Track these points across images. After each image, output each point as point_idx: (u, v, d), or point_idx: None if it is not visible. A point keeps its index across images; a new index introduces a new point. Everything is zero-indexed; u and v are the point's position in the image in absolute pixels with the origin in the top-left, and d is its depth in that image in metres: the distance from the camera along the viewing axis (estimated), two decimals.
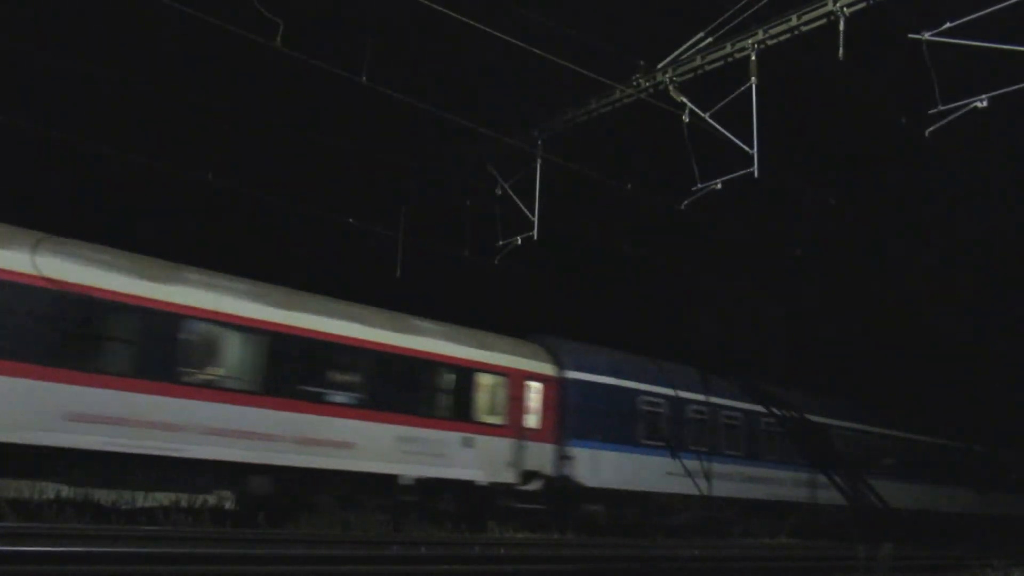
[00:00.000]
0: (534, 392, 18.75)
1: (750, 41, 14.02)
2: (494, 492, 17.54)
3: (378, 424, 15.90)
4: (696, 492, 21.36)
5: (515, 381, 18.34)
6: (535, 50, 13.45)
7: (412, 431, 16.35)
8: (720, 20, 14.26)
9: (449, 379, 17.28)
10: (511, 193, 17.70)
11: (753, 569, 13.96)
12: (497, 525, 17.36)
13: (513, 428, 18.08)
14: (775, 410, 24.52)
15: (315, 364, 15.29)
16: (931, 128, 13.06)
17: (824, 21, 13.13)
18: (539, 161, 17.14)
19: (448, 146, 19.09)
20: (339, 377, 15.68)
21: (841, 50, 12.66)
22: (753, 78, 13.88)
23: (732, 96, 14.16)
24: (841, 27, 12.76)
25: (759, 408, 24.02)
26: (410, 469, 16.17)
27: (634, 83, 15.52)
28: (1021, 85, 12.18)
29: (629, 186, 17.01)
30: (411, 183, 18.86)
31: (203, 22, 12.18)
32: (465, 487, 17.04)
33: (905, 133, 14.58)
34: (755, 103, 13.88)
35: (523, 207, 17.38)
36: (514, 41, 13.28)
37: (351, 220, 17.05)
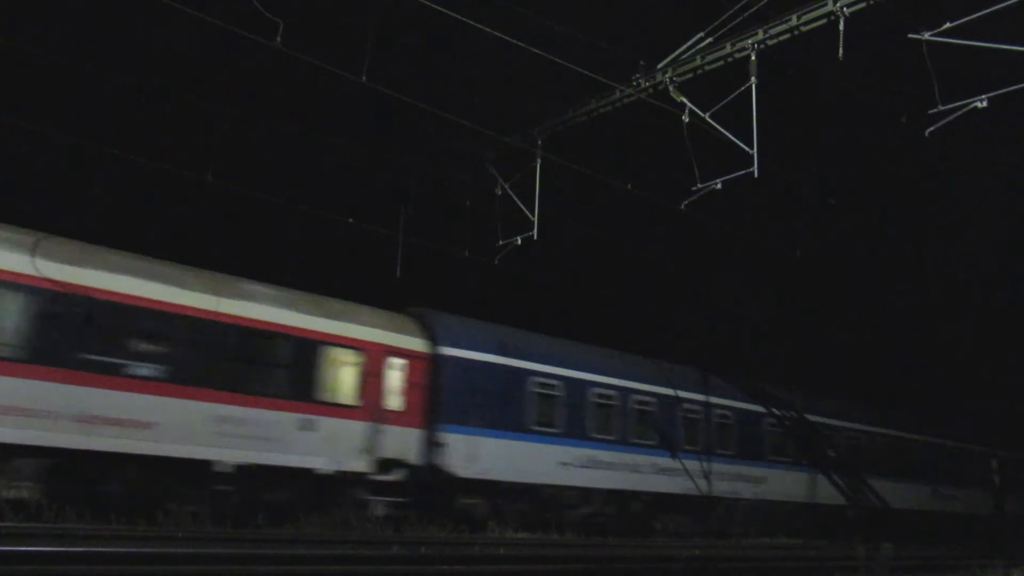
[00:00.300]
0: (398, 370, 16.67)
1: (750, 41, 14.02)
2: (342, 482, 15.55)
3: (188, 401, 13.82)
4: (597, 485, 19.36)
5: (373, 356, 16.29)
6: (535, 50, 13.46)
7: (233, 410, 14.25)
8: (720, 20, 14.26)
9: (286, 352, 15.15)
10: (511, 193, 17.70)
11: (753, 569, 13.94)
12: (497, 525, 17.34)
13: (368, 409, 16.04)
14: (702, 397, 22.54)
15: (104, 329, 13.11)
16: (931, 128, 13.07)
17: (824, 21, 13.14)
18: (539, 161, 17.14)
19: (448, 146, 19.12)
20: (136, 346, 13.51)
21: (841, 50, 12.66)
22: (753, 78, 13.89)
23: (732, 96, 14.17)
24: (841, 27, 12.76)
25: (681, 394, 21.92)
26: (229, 454, 14.10)
27: (634, 83, 15.52)
28: (1021, 85, 12.18)
29: (629, 186, 17.02)
30: (411, 183, 18.86)
31: (203, 22, 12.19)
32: (304, 476, 15.05)
33: (905, 133, 14.59)
34: (755, 103, 13.89)
35: (523, 207, 17.39)
36: (514, 41, 13.29)
37: (351, 220, 17.05)
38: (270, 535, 12.75)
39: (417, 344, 17.17)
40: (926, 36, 12.48)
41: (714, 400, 22.69)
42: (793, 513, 24.11)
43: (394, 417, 16.40)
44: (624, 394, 20.41)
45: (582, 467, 19.06)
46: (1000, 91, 12.43)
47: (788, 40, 13.74)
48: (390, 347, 16.65)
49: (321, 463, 15.25)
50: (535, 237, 17.26)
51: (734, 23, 14.11)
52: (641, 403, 20.77)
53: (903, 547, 16.46)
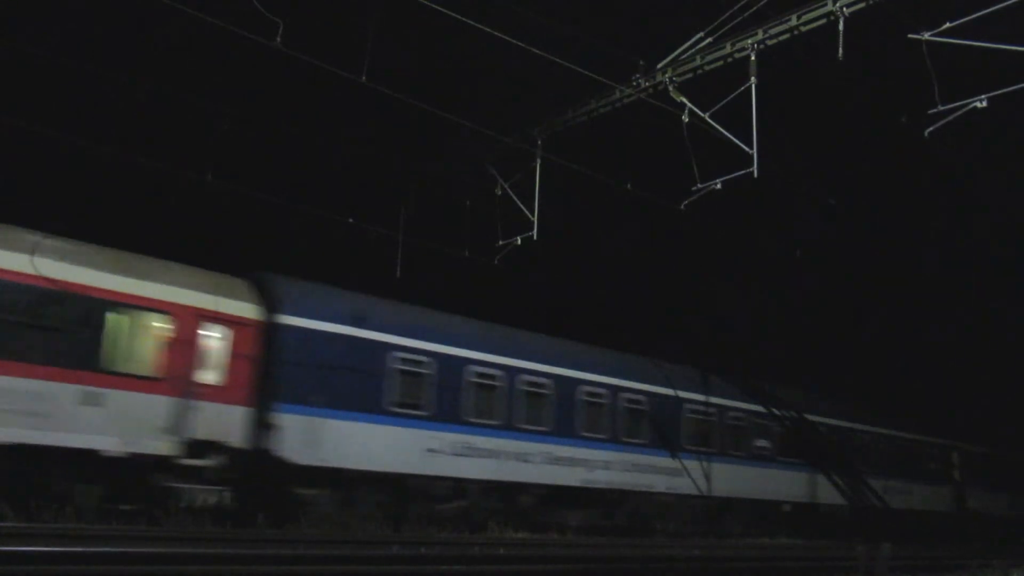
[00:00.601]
0: (217, 338, 14.56)
1: (750, 41, 14.03)
2: (138, 467, 13.43)
3: None
4: (474, 475, 17.20)
5: (183, 322, 14.13)
6: (535, 50, 13.47)
7: None
8: (720, 20, 14.27)
9: (65, 313, 12.94)
10: (511, 193, 17.71)
11: (753, 569, 13.95)
12: (497, 525, 17.32)
13: (175, 383, 13.87)
14: (610, 380, 20.19)
15: None
16: (931, 128, 13.07)
17: (824, 21, 13.15)
18: (539, 161, 17.15)
19: (448, 146, 19.13)
20: None
21: (841, 50, 12.67)
22: (753, 78, 13.90)
23: (732, 96, 14.17)
24: (841, 27, 12.77)
25: (584, 375, 19.68)
26: None
27: (634, 83, 15.53)
28: (1021, 85, 12.18)
29: (629, 186, 17.02)
30: (411, 183, 18.87)
31: (203, 22, 12.19)
32: (89, 459, 12.93)
33: (905, 133, 14.59)
34: (755, 103, 13.89)
35: (523, 207, 17.39)
36: (514, 41, 13.29)
37: (351, 220, 17.06)
38: (270, 535, 12.75)
39: (246, 310, 14.90)
40: (926, 36, 12.49)
41: (625, 384, 20.46)
42: (719, 508, 22.01)
43: (211, 393, 14.20)
44: (510, 374, 18.15)
45: (455, 455, 16.89)
46: (1000, 91, 12.43)
47: (788, 40, 13.75)
48: (206, 312, 14.41)
49: (109, 444, 13.00)
50: (535, 237, 17.27)
51: (734, 23, 14.12)
52: (532, 384, 18.52)
53: (903, 547, 16.47)
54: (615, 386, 20.19)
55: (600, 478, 19.38)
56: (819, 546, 20.39)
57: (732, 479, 22.36)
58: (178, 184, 17.85)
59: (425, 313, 17.88)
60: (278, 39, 12.66)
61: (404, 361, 16.53)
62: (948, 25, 12.38)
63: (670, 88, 15.00)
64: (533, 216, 17.16)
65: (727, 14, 14.08)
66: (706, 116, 14.52)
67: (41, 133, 13.94)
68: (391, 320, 16.75)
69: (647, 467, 20.42)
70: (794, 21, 13.55)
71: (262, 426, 14.65)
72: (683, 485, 21.15)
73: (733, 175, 14.30)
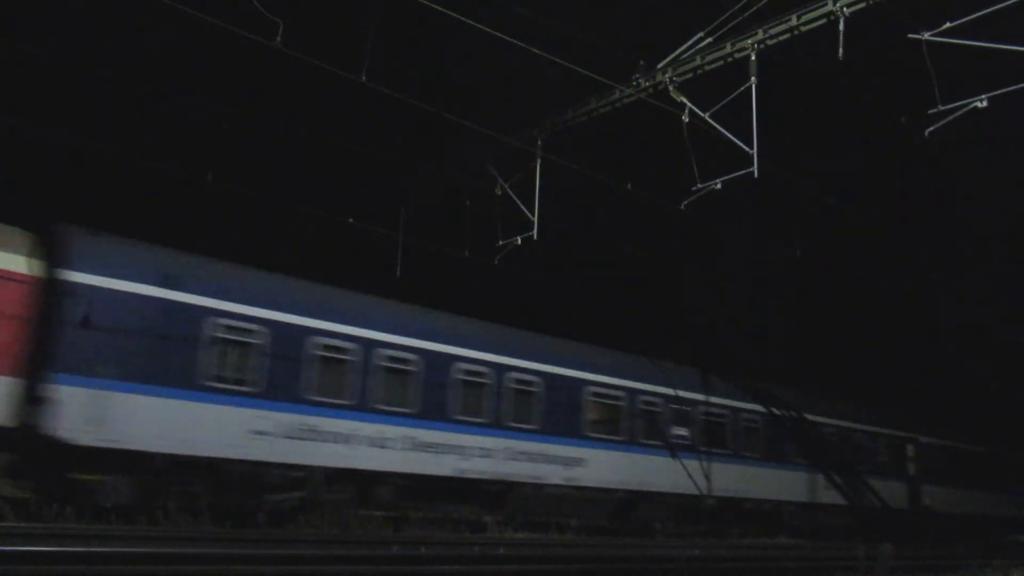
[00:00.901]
0: None
1: (750, 41, 14.03)
2: None
3: None
4: (317, 462, 15.08)
5: None
6: (535, 50, 13.47)
7: None
8: (720, 20, 14.28)
9: None
10: (511, 193, 17.72)
11: (753, 569, 13.96)
12: (497, 525, 17.31)
13: None
14: (490, 357, 17.96)
15: None
16: (931, 128, 13.08)
17: (824, 21, 13.15)
18: (539, 161, 17.16)
19: (448, 146, 19.12)
20: None
21: (841, 50, 12.67)
22: (753, 78, 13.90)
23: (732, 96, 14.18)
24: (841, 27, 12.77)
25: (461, 352, 17.52)
26: None
27: (634, 83, 15.53)
28: (1021, 85, 12.19)
29: (629, 186, 17.03)
30: (411, 183, 18.87)
31: (203, 22, 12.20)
32: None
33: (905, 133, 14.60)
34: (755, 103, 13.90)
35: (523, 207, 17.40)
36: (514, 41, 13.30)
37: (351, 220, 17.06)
38: (270, 535, 12.75)
39: (15, 263, 12.87)
40: (926, 36, 12.49)
41: (514, 362, 18.28)
42: (627, 502, 19.93)
43: None
44: (366, 348, 16.05)
45: (291, 438, 14.81)
46: (1000, 91, 12.44)
47: (788, 40, 13.75)
48: None
49: None
50: (535, 237, 17.27)
51: (734, 23, 14.13)
52: (394, 360, 16.39)
53: (903, 547, 16.48)
54: (500, 364, 17.97)
55: (478, 467, 17.19)
56: (819, 546, 20.39)
57: (644, 470, 20.19)
58: (178, 184, 17.85)
59: (260, 276, 15.71)
60: (278, 39, 12.66)
61: (227, 329, 14.49)
62: (948, 25, 12.38)
63: (670, 88, 15.01)
64: (533, 216, 17.17)
65: (727, 14, 14.09)
66: (706, 116, 14.53)
67: (41, 133, 13.94)
68: (212, 281, 14.68)
69: (539, 456, 18.23)
70: (794, 21, 13.56)
71: (32, 400, 12.58)
72: (584, 476, 18.95)
73: (733, 175, 14.31)
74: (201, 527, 13.13)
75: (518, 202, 17.55)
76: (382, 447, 15.92)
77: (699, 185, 14.84)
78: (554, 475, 18.43)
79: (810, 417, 25.16)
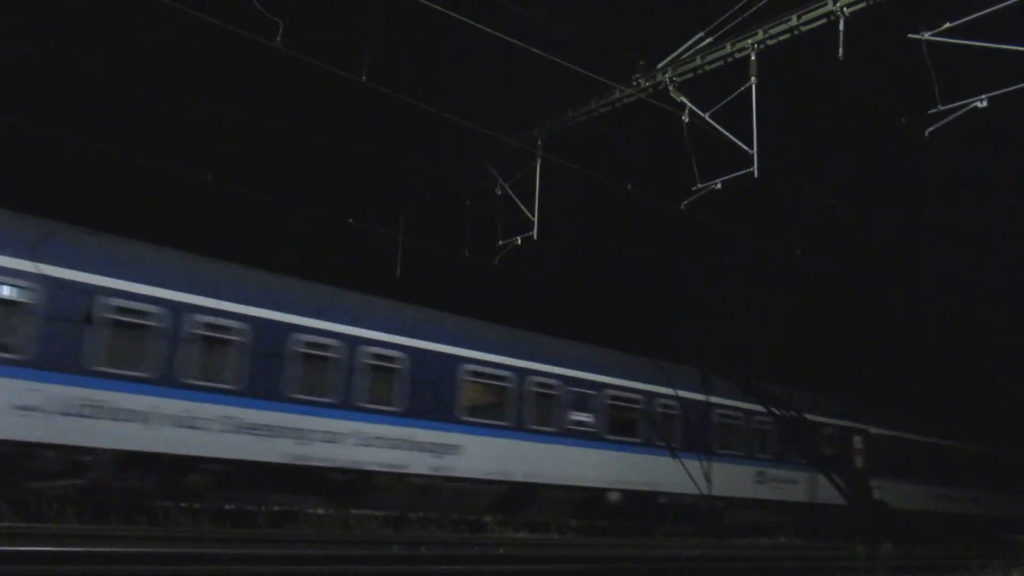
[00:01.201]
0: None
1: (750, 41, 14.04)
2: None
3: None
4: (100, 444, 12.89)
5: None
6: (535, 50, 13.47)
7: None
8: (720, 20, 14.29)
9: None
10: (511, 193, 17.72)
11: (753, 569, 13.96)
12: (497, 525, 17.29)
13: None
14: (345, 329, 15.98)
15: None
16: (931, 128, 13.08)
17: (824, 21, 13.16)
18: (539, 161, 17.16)
19: (448, 146, 19.13)
20: None
21: (841, 50, 12.68)
22: (753, 78, 13.91)
23: (732, 96, 14.19)
24: (841, 27, 12.78)
25: (297, 321, 15.35)
26: None
27: (634, 83, 15.54)
28: (1021, 85, 12.19)
29: (629, 186, 17.03)
30: (411, 183, 18.87)
31: (203, 22, 12.20)
32: None
33: (905, 133, 14.60)
34: (755, 103, 13.91)
35: (523, 207, 17.40)
36: (514, 41, 13.30)
37: (351, 220, 17.06)
38: (270, 535, 12.75)
39: None
40: (926, 36, 12.49)
41: (372, 335, 16.28)
42: (513, 494, 17.95)
43: None
44: (175, 312, 13.86)
45: (69, 415, 12.60)
46: (1000, 91, 12.44)
47: (788, 40, 13.76)
48: None
49: None
50: (535, 237, 17.28)
51: (734, 23, 14.14)
52: (212, 328, 14.25)
53: (903, 547, 16.49)
54: (354, 337, 15.96)
55: (320, 454, 15.12)
56: (819, 546, 20.39)
57: (534, 460, 18.08)
58: (178, 184, 17.85)
59: (28, 221, 13.37)
60: (278, 39, 12.66)
61: None
62: (948, 25, 12.39)
63: (670, 88, 15.02)
64: (533, 216, 17.17)
65: (727, 14, 14.10)
66: (706, 116, 14.54)
67: (41, 133, 13.94)
68: None
69: (401, 442, 16.16)
70: (794, 21, 13.57)
71: None
72: (459, 466, 16.91)
73: (733, 175, 14.32)
74: (201, 527, 13.13)
75: (518, 202, 17.55)
76: (192, 428, 13.77)
77: (699, 185, 14.85)
78: (420, 464, 16.41)
79: (748, 407, 23.13)
